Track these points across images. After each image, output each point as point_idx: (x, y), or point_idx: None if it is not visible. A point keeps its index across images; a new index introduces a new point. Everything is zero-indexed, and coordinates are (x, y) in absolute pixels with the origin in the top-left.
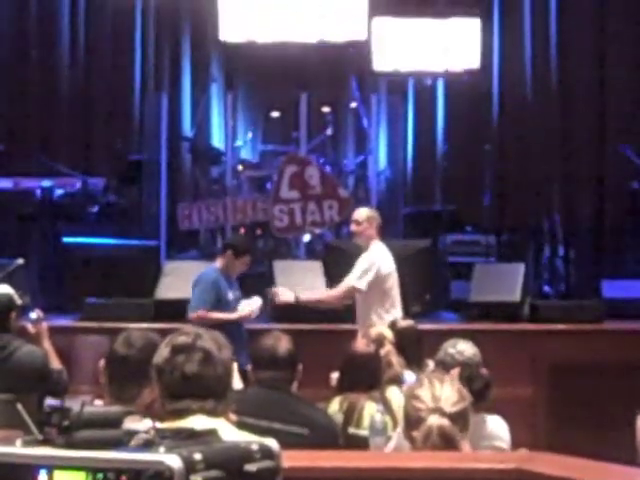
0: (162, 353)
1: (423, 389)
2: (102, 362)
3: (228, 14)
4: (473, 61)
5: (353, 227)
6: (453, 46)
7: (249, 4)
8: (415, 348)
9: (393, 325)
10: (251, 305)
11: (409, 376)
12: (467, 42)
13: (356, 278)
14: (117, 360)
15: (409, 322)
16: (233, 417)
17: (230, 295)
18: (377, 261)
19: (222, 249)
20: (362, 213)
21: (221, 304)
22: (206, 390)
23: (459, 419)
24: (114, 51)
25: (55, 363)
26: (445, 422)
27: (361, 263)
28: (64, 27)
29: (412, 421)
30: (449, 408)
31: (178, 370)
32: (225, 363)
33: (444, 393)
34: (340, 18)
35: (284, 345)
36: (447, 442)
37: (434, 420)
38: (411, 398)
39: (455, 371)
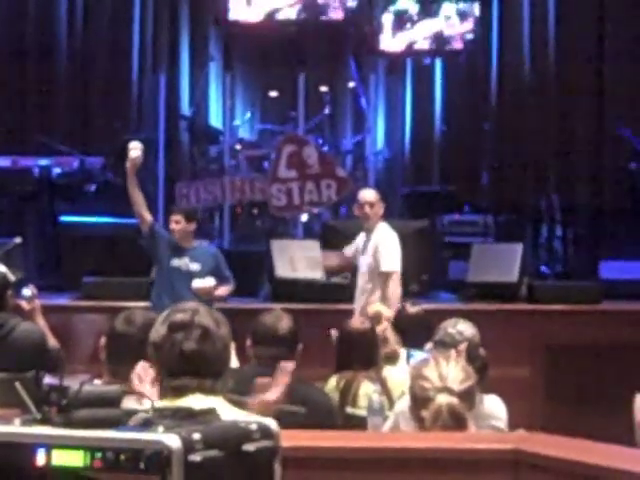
0: (159, 330)
1: (429, 368)
2: (103, 339)
3: None
4: (471, 40)
5: (367, 209)
6: (452, 25)
7: None
8: (423, 333)
9: (402, 310)
10: (202, 283)
11: (417, 354)
12: (465, 21)
13: (392, 262)
14: (116, 337)
15: (418, 307)
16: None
17: (175, 262)
18: (397, 241)
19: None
20: (373, 195)
21: (162, 268)
22: (205, 367)
23: (466, 397)
24: (112, 30)
25: (51, 340)
26: (454, 400)
27: (387, 246)
28: (62, 6)
29: (420, 401)
30: (457, 386)
31: (177, 348)
32: (223, 339)
33: (450, 372)
34: None
35: (285, 323)
36: (457, 420)
37: (443, 399)
38: (418, 378)
39: (463, 346)
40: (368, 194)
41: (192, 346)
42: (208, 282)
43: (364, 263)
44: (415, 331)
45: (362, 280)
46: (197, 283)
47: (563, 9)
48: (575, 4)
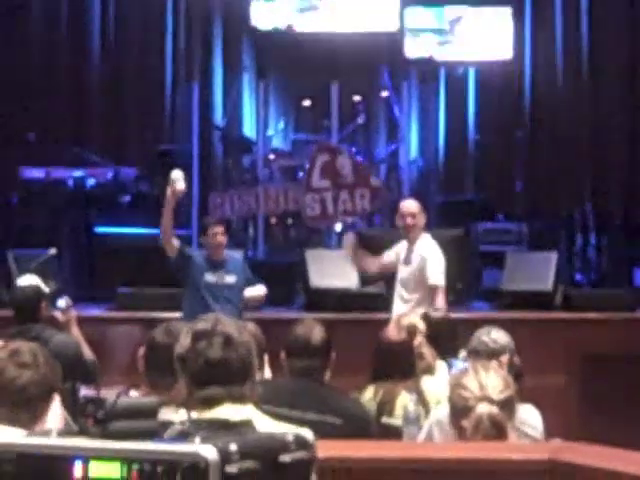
0: (183, 343)
1: (469, 378)
2: (141, 350)
3: (260, 3)
4: (505, 50)
5: (409, 220)
6: (485, 35)
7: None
8: (449, 339)
9: (426, 316)
10: (255, 291)
11: (458, 364)
12: (499, 31)
13: (440, 276)
14: (156, 349)
15: (442, 313)
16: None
17: (209, 277)
18: (441, 254)
19: None
20: (416, 205)
21: (194, 284)
22: (231, 375)
23: (506, 406)
24: (145, 40)
25: (86, 351)
26: (494, 409)
27: (435, 260)
28: (95, 17)
29: (460, 410)
30: (496, 395)
31: (202, 356)
32: (246, 345)
33: (490, 381)
34: (373, 7)
35: (318, 333)
36: (497, 430)
37: (483, 408)
38: (457, 387)
39: (504, 357)
40: (411, 205)
41: (216, 353)
42: (260, 290)
43: (407, 273)
44: (441, 337)
45: (403, 289)
46: (250, 292)
47: (596, 20)
48: (608, 16)
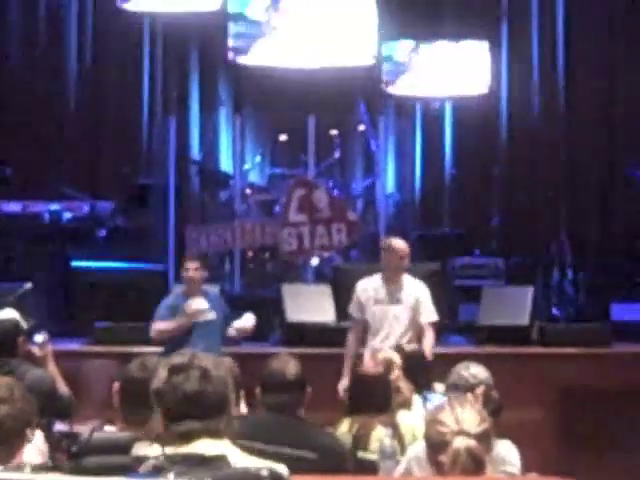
0: (160, 376)
1: (445, 413)
2: (116, 385)
3: (236, 38)
4: (482, 85)
5: (405, 262)
6: (463, 70)
7: (258, 28)
8: (422, 372)
9: (399, 349)
10: (244, 322)
11: (434, 398)
12: (476, 66)
13: (434, 312)
14: (131, 383)
15: (414, 346)
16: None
17: None
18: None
19: None
20: (405, 245)
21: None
22: (207, 409)
23: (483, 439)
24: (122, 74)
25: (62, 386)
26: (472, 443)
27: (428, 298)
28: (71, 51)
29: (437, 445)
30: (473, 429)
31: (178, 390)
32: (223, 379)
33: (466, 415)
34: (350, 42)
35: (292, 368)
36: (476, 463)
37: (461, 442)
38: (434, 423)
39: (479, 390)
40: (403, 245)
41: (193, 387)
42: (249, 321)
43: (399, 312)
44: (414, 370)
45: (396, 327)
46: (239, 323)
47: (572, 52)
48: (584, 47)
